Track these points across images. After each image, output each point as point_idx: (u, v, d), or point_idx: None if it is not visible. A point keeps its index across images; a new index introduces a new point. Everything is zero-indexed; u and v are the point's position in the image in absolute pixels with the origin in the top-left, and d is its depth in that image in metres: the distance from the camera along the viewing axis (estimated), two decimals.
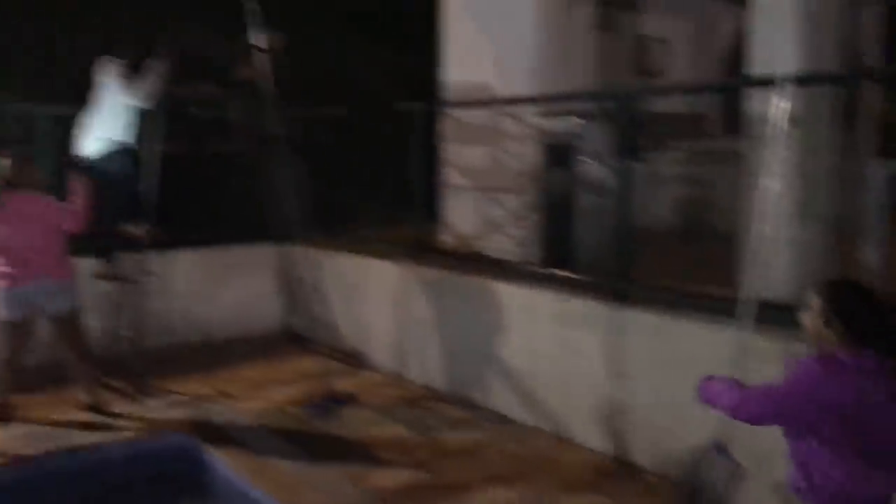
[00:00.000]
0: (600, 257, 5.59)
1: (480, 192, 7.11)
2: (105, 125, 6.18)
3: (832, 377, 2.41)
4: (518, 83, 6.81)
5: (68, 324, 5.32)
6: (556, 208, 6.43)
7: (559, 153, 6.46)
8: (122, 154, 6.26)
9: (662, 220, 7.88)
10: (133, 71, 6.13)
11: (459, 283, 5.99)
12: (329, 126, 8.47)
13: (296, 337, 7.71)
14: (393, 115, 6.89)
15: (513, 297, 5.51)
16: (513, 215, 6.80)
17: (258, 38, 6.63)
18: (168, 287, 7.32)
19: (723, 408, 2.65)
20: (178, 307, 7.42)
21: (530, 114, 6.63)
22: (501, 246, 6.76)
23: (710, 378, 2.80)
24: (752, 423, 2.59)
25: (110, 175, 6.13)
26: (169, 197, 7.21)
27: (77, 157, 5.41)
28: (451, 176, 7.42)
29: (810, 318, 2.56)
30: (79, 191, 5.32)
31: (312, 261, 6.95)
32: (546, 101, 6.56)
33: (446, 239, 7.44)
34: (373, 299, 6.88)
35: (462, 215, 7.26)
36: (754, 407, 2.54)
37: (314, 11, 12.15)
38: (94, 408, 5.47)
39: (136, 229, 6.36)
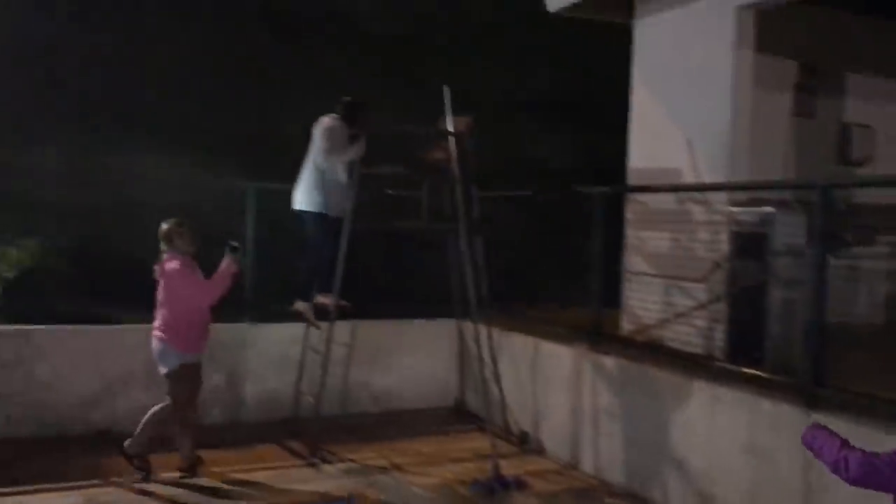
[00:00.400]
0: (792, 355, 5.23)
1: (664, 279, 6.88)
2: (304, 186, 6.57)
3: None
4: (708, 169, 6.62)
5: (168, 384, 5.61)
6: (746, 300, 6.09)
7: (750, 243, 6.15)
8: (314, 219, 6.60)
9: (867, 319, 7.25)
10: (341, 133, 6.46)
11: (639, 373, 5.79)
12: (513, 206, 8.63)
13: (469, 414, 7.73)
14: (577, 197, 6.90)
15: (696, 392, 5.25)
16: (698, 305, 6.51)
17: (448, 121, 6.92)
18: (350, 355, 7.62)
19: (825, 460, 2.81)
20: (357, 376, 7.70)
21: (720, 201, 6.40)
22: (684, 337, 6.49)
23: (819, 427, 2.94)
24: (849, 482, 2.74)
25: (307, 238, 6.52)
26: (357, 268, 7.59)
27: (233, 242, 5.81)
28: (634, 261, 7.26)
29: None
30: (222, 271, 5.64)
31: (490, 339, 6.98)
32: (738, 189, 6.31)
33: (626, 326, 7.25)
34: (548, 383, 6.78)
35: (644, 302, 7.05)
36: (854, 467, 2.70)
37: (503, 96, 12.56)
38: (188, 469, 5.68)
39: (326, 300, 6.66)
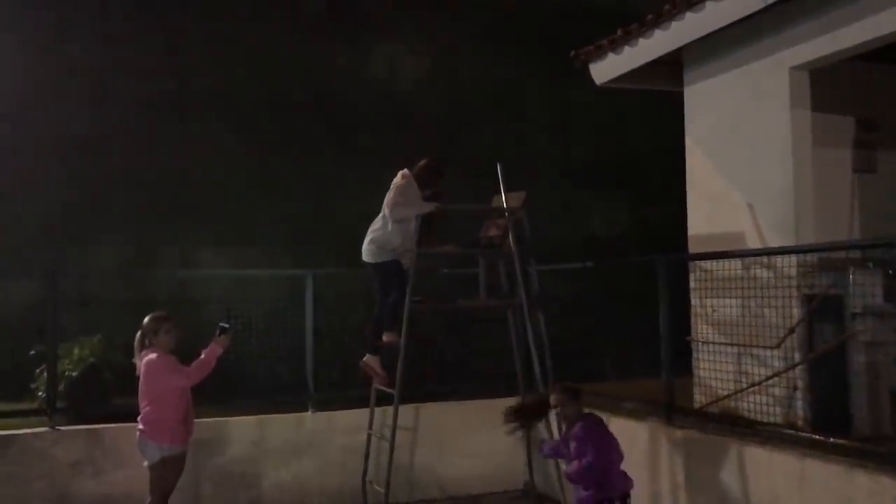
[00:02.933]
0: (882, 422, 4.96)
1: (735, 347, 6.65)
2: (370, 238, 6.59)
3: None
4: (772, 231, 6.46)
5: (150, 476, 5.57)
6: (826, 366, 5.85)
7: (825, 305, 5.95)
8: (380, 268, 6.60)
9: None
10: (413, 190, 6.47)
11: (718, 447, 5.55)
12: (575, 279, 8.52)
13: (539, 496, 7.47)
14: (639, 267, 6.78)
15: (782, 466, 4.98)
16: (774, 372, 6.26)
17: (503, 198, 6.90)
18: (414, 440, 7.47)
19: None
20: (422, 460, 7.52)
21: (788, 264, 6.21)
22: (762, 406, 6.22)
23: None
24: None
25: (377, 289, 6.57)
26: (419, 351, 7.52)
27: (223, 322, 5.81)
28: (702, 329, 7.05)
29: None
30: (207, 353, 5.64)
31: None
32: (808, 251, 6.12)
33: (699, 397, 6.99)
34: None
35: (716, 372, 6.81)
36: None
37: (554, 167, 12.59)
38: None
39: (389, 337, 6.60)
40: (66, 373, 9.13)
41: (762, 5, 5.78)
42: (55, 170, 10.88)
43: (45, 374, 8.51)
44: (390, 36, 12.88)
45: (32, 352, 8.75)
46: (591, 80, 8.01)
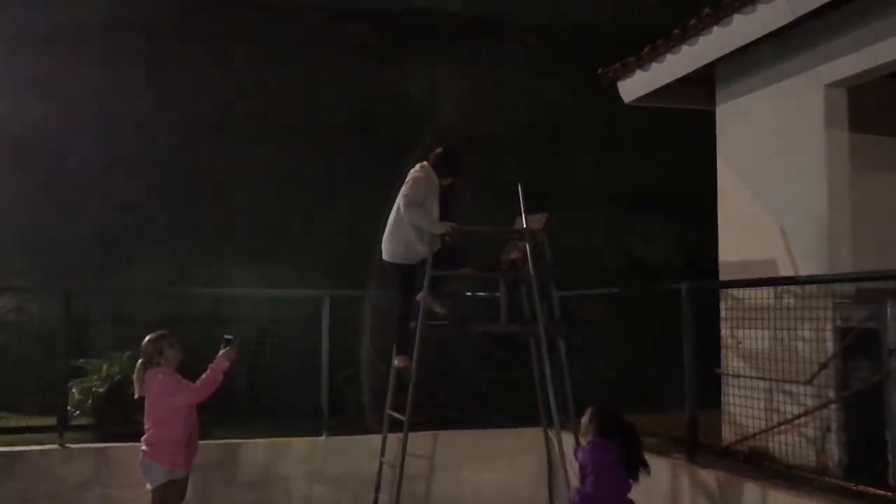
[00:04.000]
0: None
1: (765, 382, 6.24)
2: (386, 236, 6.42)
3: None
4: (806, 259, 6.06)
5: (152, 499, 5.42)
6: (862, 405, 5.41)
7: (862, 340, 5.51)
8: (392, 270, 6.43)
9: None
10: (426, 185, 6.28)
11: (744, 491, 5.17)
12: (601, 305, 8.21)
13: None
14: (666, 294, 6.45)
15: None
16: (805, 410, 5.84)
17: (525, 220, 6.65)
18: (431, 468, 7.23)
19: None
20: (439, 491, 7.27)
21: (822, 294, 5.80)
22: (793, 446, 5.80)
23: None
24: None
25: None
26: (434, 377, 7.28)
27: (228, 334, 5.67)
28: (731, 361, 6.66)
29: None
30: (213, 367, 5.52)
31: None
32: (844, 280, 5.71)
33: (726, 433, 6.58)
34: (640, 501, 6.16)
35: (745, 407, 6.40)
36: None
37: (599, 190, 12.27)
38: None
39: (401, 362, 6.40)
40: (94, 389, 9.13)
41: (792, 17, 5.44)
42: (97, 189, 11.03)
43: (74, 389, 8.63)
44: (433, 58, 12.77)
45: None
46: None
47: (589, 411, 5.13)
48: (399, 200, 6.33)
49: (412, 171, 6.41)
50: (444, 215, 6.49)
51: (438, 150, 6.57)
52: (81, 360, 8.95)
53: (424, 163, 6.48)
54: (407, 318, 6.42)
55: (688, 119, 8.15)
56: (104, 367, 9.42)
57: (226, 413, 7.87)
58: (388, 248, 6.47)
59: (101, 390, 9.11)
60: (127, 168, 11.10)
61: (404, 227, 6.32)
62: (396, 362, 6.51)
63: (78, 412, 8.46)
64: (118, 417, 8.61)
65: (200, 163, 11.38)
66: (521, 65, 12.53)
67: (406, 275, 6.44)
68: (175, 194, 11.30)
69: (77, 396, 8.57)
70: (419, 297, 6.33)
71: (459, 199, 6.90)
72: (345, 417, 8.71)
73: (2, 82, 10.71)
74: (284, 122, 11.75)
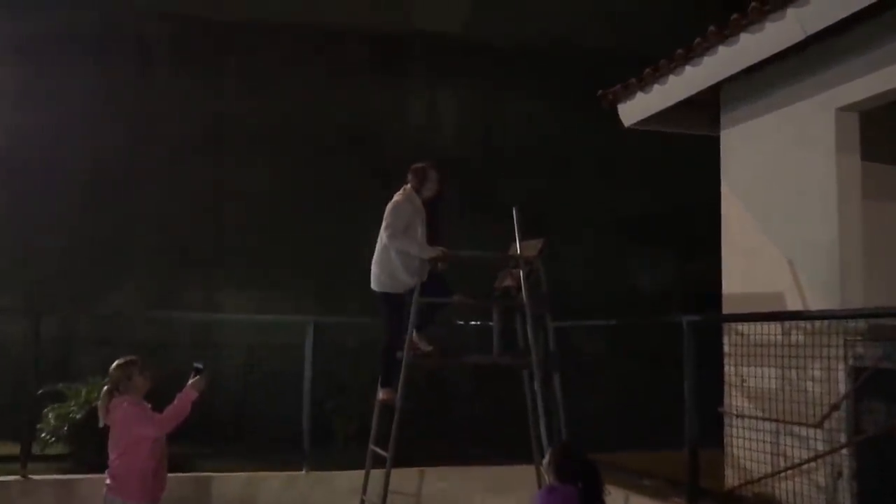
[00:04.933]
0: None
1: (772, 423, 5.88)
2: (374, 265, 6.17)
3: None
4: (815, 292, 5.72)
5: None
6: (873, 451, 5.04)
7: (876, 380, 5.16)
8: (379, 299, 6.17)
9: None
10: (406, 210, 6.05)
11: None
12: (596, 336, 7.88)
13: None
14: (667, 326, 6.12)
15: None
16: (814, 455, 5.47)
17: (520, 246, 6.32)
18: None
19: None
20: None
21: (833, 331, 5.45)
22: (800, 493, 5.43)
23: None
24: None
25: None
26: (423, 410, 6.91)
27: (198, 363, 5.33)
28: (735, 399, 6.29)
29: None
30: (181, 398, 5.17)
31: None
32: (856, 317, 5.35)
33: (730, 475, 6.21)
34: None
35: (749, 450, 6.02)
36: None
37: (597, 217, 11.96)
38: None
39: (385, 395, 6.15)
40: (71, 415, 8.78)
41: (802, 36, 5.14)
42: (83, 205, 10.76)
43: (50, 415, 8.29)
44: (430, 80, 12.54)
45: (40, 391, 8.47)
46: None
47: (549, 451, 4.74)
48: (382, 231, 6.09)
49: (395, 197, 6.15)
50: (434, 236, 6.22)
51: (417, 165, 6.30)
52: (61, 384, 8.64)
53: (407, 186, 6.22)
54: (393, 349, 6.14)
55: (692, 144, 7.86)
56: (83, 392, 9.07)
57: (206, 441, 7.55)
58: (374, 276, 6.23)
59: (77, 416, 8.76)
60: (115, 184, 10.83)
61: (389, 255, 6.09)
62: (381, 395, 6.19)
63: (53, 439, 8.12)
64: (95, 446, 8.24)
65: (190, 180, 11.10)
66: (520, 88, 12.28)
67: (393, 304, 6.18)
68: (164, 212, 11.02)
69: (53, 423, 8.24)
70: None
71: (447, 219, 6.62)
72: (332, 449, 8.37)
73: None
74: (277, 141, 11.50)
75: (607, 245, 11.67)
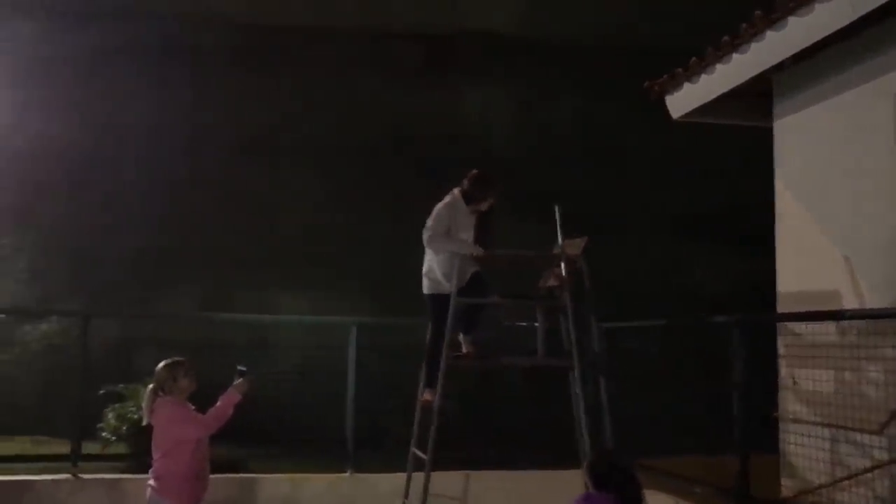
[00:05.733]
0: None
1: (830, 428, 5.54)
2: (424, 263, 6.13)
3: None
4: (874, 290, 5.37)
5: None
6: None
7: None
8: (427, 301, 6.11)
9: None
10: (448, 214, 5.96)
11: None
12: (646, 337, 7.61)
13: None
14: (718, 326, 5.86)
15: None
16: (875, 464, 5.13)
17: (563, 244, 6.15)
18: None
19: None
20: None
21: (893, 331, 5.10)
22: (860, 503, 5.10)
23: None
24: None
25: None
26: (470, 413, 6.79)
27: (242, 366, 5.28)
28: (790, 403, 5.97)
29: None
30: (223, 400, 5.15)
31: None
32: None
33: (785, 483, 5.89)
34: None
35: (805, 457, 5.70)
36: None
37: (654, 216, 11.63)
38: None
39: (428, 396, 6.05)
40: (129, 415, 8.97)
41: (853, 17, 4.82)
42: (145, 212, 11.05)
43: (110, 415, 8.48)
44: (480, 80, 12.45)
45: (101, 391, 8.68)
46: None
47: (586, 457, 4.58)
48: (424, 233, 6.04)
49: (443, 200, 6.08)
50: (483, 242, 6.11)
51: (472, 172, 6.18)
52: (120, 385, 8.82)
53: (455, 190, 6.12)
54: (437, 351, 6.01)
55: (751, 137, 7.52)
56: (141, 391, 9.25)
57: (256, 443, 7.61)
58: (423, 279, 6.20)
59: (136, 416, 8.94)
60: (174, 190, 11.08)
61: (431, 257, 6.06)
62: (424, 396, 6.09)
63: (114, 438, 8.30)
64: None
65: (244, 185, 11.28)
66: (572, 86, 12.07)
67: (437, 305, 6.08)
68: (221, 216, 11.21)
69: (113, 423, 8.42)
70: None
71: (496, 226, 6.47)
72: (382, 451, 8.33)
73: (54, 104, 10.86)
74: (328, 144, 11.59)
75: (664, 243, 11.33)
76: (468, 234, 6.07)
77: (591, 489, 4.35)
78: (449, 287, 5.99)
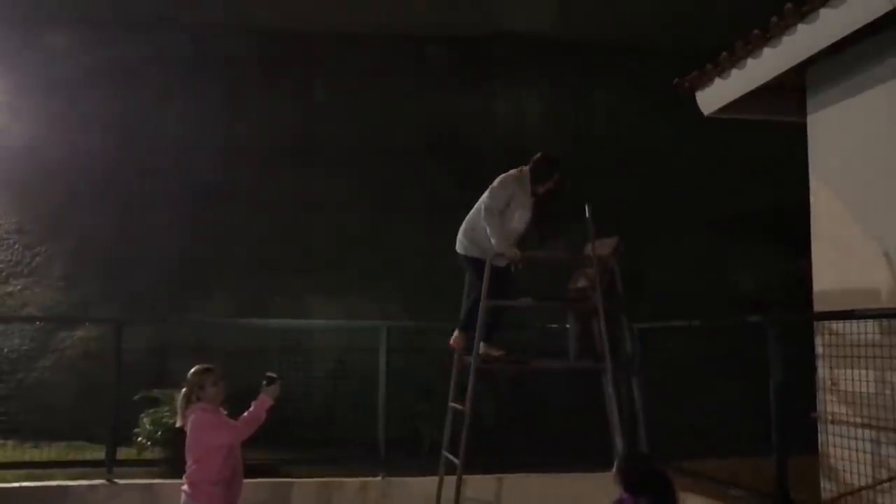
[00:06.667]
0: None
1: (871, 429, 5.40)
2: (463, 227, 6.13)
3: None
4: None
5: None
6: None
7: None
8: (466, 263, 6.10)
9: None
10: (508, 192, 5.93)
11: None
12: (684, 338, 7.49)
13: None
14: (755, 327, 5.74)
15: None
16: None
17: (594, 245, 6.07)
18: None
19: None
20: None
21: None
22: None
23: None
24: None
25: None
26: (503, 416, 6.73)
27: (271, 373, 5.26)
28: (830, 404, 5.82)
29: None
30: (256, 406, 5.14)
31: None
32: None
33: (826, 486, 5.75)
34: None
35: (846, 460, 5.55)
36: None
37: (695, 216, 11.47)
38: None
39: (490, 350, 6.01)
40: (164, 419, 9.04)
41: (890, 7, 4.69)
42: (179, 220, 11.15)
43: (145, 420, 8.55)
44: (516, 81, 12.39)
45: (136, 397, 8.76)
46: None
47: (616, 461, 4.48)
48: (480, 201, 6.03)
49: (510, 173, 6.07)
50: (540, 228, 6.12)
51: (537, 155, 6.14)
52: (156, 390, 8.89)
53: (523, 168, 6.09)
54: (477, 305, 5.90)
55: (789, 136, 7.38)
56: (177, 396, 9.32)
57: (292, 447, 7.62)
58: (459, 239, 6.19)
59: (171, 421, 9.01)
60: (208, 197, 11.17)
61: (480, 224, 6.00)
62: (482, 350, 5.93)
63: (150, 443, 8.36)
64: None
65: (280, 191, 11.33)
66: (608, 86, 11.96)
67: (477, 268, 6.01)
68: (255, 222, 11.28)
69: (148, 428, 8.49)
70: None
71: (559, 222, 6.38)
72: (418, 455, 8.30)
73: (88, 114, 11.02)
74: (363, 149, 11.60)
75: (704, 243, 11.18)
76: (526, 213, 6.03)
77: (621, 493, 4.29)
78: (485, 254, 5.89)
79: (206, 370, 5.33)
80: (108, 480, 6.40)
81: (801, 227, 6.66)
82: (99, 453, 7.70)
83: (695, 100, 6.84)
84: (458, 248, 6.18)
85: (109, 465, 6.53)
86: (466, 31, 12.31)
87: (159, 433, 8.66)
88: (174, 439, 8.67)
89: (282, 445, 7.29)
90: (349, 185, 11.66)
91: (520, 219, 6.01)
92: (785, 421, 5.31)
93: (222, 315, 10.98)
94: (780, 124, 7.07)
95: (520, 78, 12.50)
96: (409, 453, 8.04)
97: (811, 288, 6.27)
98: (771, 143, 9.68)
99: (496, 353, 6.07)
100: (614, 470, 4.49)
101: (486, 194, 5.98)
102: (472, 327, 5.93)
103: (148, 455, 8.15)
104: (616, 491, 4.57)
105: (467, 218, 6.14)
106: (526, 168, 6.07)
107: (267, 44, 11.98)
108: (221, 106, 11.71)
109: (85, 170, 11.11)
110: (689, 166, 11.61)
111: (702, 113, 6.96)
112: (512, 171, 6.03)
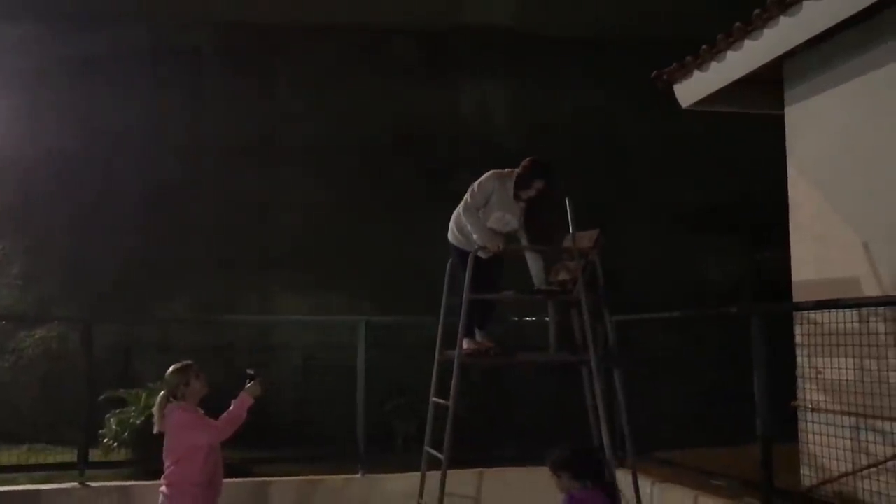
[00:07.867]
0: None
1: (851, 417, 5.48)
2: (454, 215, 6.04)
3: None
4: (893, 278, 5.31)
5: None
6: None
7: None
8: (453, 252, 6.03)
9: None
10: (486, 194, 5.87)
11: None
12: (662, 330, 7.56)
13: None
14: (733, 318, 5.79)
15: None
16: None
17: (574, 237, 6.05)
18: None
19: None
20: None
21: None
22: (885, 493, 5.04)
23: None
24: None
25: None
26: (480, 410, 6.69)
27: (250, 370, 5.18)
28: (810, 392, 5.91)
29: None
30: (236, 404, 5.07)
31: (636, 491, 5.78)
32: None
33: (806, 474, 5.83)
34: None
35: (826, 446, 5.64)
36: None
37: (661, 209, 11.58)
38: None
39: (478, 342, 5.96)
40: (131, 420, 8.84)
41: (870, 1, 4.76)
42: (141, 216, 10.89)
43: (111, 420, 8.34)
44: (481, 76, 12.34)
45: (101, 397, 8.54)
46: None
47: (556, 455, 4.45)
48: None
49: (489, 175, 5.97)
50: (529, 231, 6.04)
51: (529, 160, 5.95)
52: (121, 390, 8.69)
53: (509, 170, 5.97)
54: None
55: (756, 126, 7.47)
56: (143, 397, 9.13)
57: (264, 446, 7.49)
58: (451, 229, 6.11)
59: (138, 422, 8.81)
60: (170, 194, 10.93)
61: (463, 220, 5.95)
62: (465, 345, 5.86)
63: (116, 444, 8.17)
64: (156, 451, 8.28)
65: (244, 186, 11.14)
66: (573, 78, 11.98)
67: (465, 258, 5.87)
68: (218, 219, 11.07)
69: (115, 428, 8.29)
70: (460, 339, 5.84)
71: (551, 224, 6.31)
72: (391, 451, 8.24)
73: (46, 109, 10.70)
74: (328, 144, 11.45)
75: (671, 236, 11.28)
76: (508, 215, 5.93)
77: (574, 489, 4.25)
78: (472, 246, 5.83)
79: (186, 366, 5.21)
80: (80, 483, 6.20)
81: (766, 219, 6.75)
82: (63, 456, 7.49)
83: (672, 92, 6.88)
84: (449, 236, 6.13)
85: (82, 468, 6.32)
86: (431, 23, 12.23)
87: (126, 434, 8.46)
88: (140, 440, 8.51)
89: (253, 444, 7.17)
90: (314, 179, 11.50)
91: (499, 220, 5.93)
92: (769, 409, 5.36)
93: (188, 312, 10.78)
94: (748, 116, 7.16)
95: (485, 71, 12.47)
96: (383, 449, 7.96)
97: (772, 279, 6.36)
98: (738, 135, 9.82)
99: (488, 344, 6.01)
100: (556, 464, 4.47)
101: (466, 196, 5.90)
102: (472, 328, 5.90)
103: (114, 456, 7.95)
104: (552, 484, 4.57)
105: (456, 210, 6.07)
106: (511, 171, 5.96)
107: (229, 37, 11.75)
108: (182, 102, 11.46)
109: (43, 166, 10.79)
110: (654, 158, 11.71)
111: (667, 106, 7.00)
112: (502, 170, 5.93)
